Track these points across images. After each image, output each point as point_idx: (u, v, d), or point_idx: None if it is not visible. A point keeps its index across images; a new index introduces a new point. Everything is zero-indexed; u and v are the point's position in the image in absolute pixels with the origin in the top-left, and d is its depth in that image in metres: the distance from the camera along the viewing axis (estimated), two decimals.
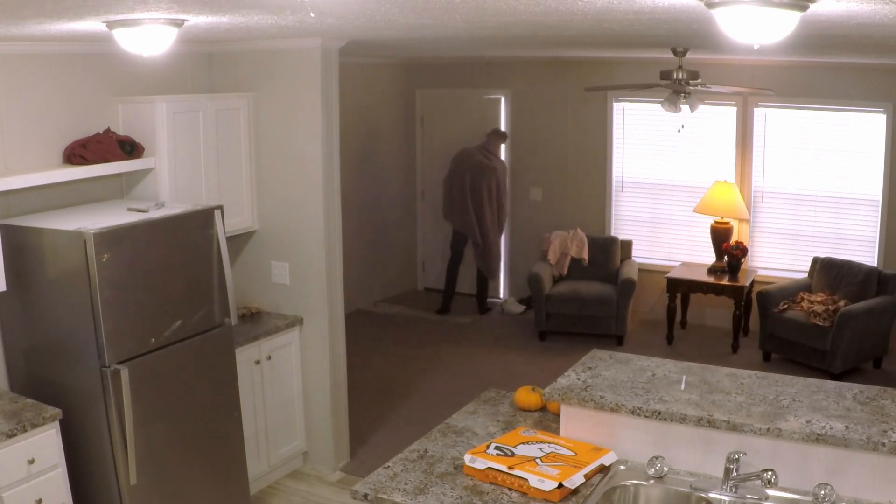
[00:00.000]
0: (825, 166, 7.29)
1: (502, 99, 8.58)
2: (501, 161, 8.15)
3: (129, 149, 4.16)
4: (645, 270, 7.92)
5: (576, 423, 2.90)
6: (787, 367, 6.56)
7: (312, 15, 3.16)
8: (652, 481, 2.70)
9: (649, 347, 7.19)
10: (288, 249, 4.86)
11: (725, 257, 7.36)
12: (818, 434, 2.51)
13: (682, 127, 7.00)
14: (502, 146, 8.30)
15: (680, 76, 5.80)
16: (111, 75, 4.25)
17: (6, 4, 2.48)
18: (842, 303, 6.54)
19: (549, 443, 2.83)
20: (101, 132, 4.15)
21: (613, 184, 8.18)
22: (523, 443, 2.83)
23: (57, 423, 3.39)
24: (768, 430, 2.57)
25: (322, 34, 4.29)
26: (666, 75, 5.87)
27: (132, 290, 3.58)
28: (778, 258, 7.65)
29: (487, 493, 2.61)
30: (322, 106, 4.62)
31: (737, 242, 7.35)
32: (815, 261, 7.10)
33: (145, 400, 3.65)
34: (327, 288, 4.81)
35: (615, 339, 7.40)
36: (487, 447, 2.79)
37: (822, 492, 2.46)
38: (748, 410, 2.69)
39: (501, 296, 8.91)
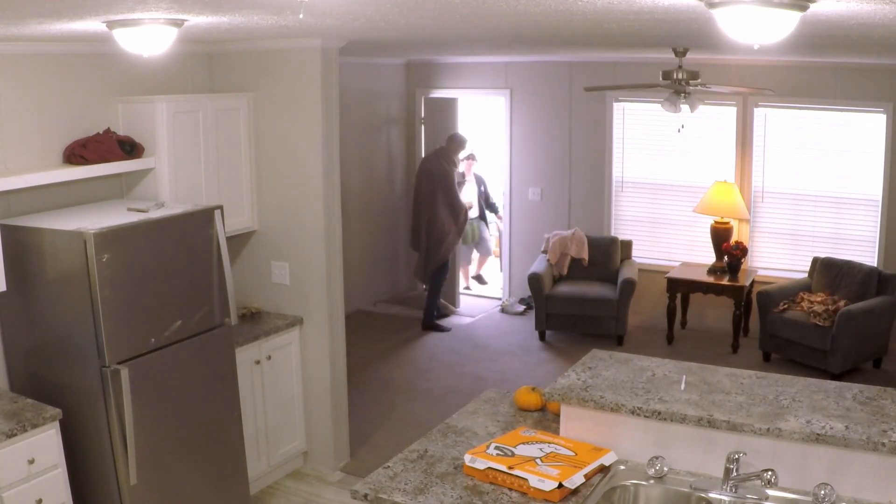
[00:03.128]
0: (825, 166, 7.29)
1: (502, 99, 8.58)
2: (444, 166, 7.84)
3: (129, 149, 4.16)
4: (645, 270, 7.92)
5: (576, 423, 2.90)
6: (787, 367, 6.56)
7: (301, 16, 3.16)
8: (652, 481, 2.70)
9: (649, 347, 7.19)
10: (288, 249, 4.86)
11: (725, 257, 7.36)
12: (818, 434, 2.51)
13: (682, 127, 7.00)
14: (461, 151, 8.13)
15: (680, 76, 5.80)
16: (111, 75, 4.25)
17: (6, 4, 2.48)
18: (842, 303, 6.54)
19: (549, 443, 2.83)
20: (101, 132, 4.15)
21: (613, 184, 8.18)
22: (523, 443, 2.83)
23: (57, 423, 3.39)
24: (768, 430, 2.57)
25: (322, 34, 4.29)
26: (666, 75, 5.87)
27: (132, 290, 3.58)
28: (778, 258, 7.65)
29: (487, 493, 2.61)
30: (322, 106, 4.62)
31: (737, 242, 7.35)
32: (815, 261, 7.10)
33: (145, 400, 3.65)
34: (327, 288, 4.81)
35: (615, 339, 7.40)
36: (487, 447, 2.79)
37: (822, 492, 2.46)
38: (748, 410, 2.69)
39: (502, 296, 8.91)
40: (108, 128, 4.21)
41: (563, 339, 7.63)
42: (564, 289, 7.52)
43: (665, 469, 2.71)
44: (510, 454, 2.73)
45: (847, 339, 6.26)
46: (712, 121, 7.62)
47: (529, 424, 3.14)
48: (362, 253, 8.32)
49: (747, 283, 7.23)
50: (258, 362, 4.60)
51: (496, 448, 2.77)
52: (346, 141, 5.37)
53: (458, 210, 7.90)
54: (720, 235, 7.44)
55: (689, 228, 7.89)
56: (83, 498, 3.62)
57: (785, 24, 2.31)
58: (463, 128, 8.90)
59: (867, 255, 7.19)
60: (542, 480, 2.56)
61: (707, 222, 7.57)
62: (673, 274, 7.54)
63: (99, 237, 3.41)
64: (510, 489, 2.62)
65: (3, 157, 3.78)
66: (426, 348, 7.45)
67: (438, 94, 8.90)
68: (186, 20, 3.11)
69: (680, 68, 5.78)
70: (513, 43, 5.51)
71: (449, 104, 8.90)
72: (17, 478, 3.21)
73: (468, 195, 8.77)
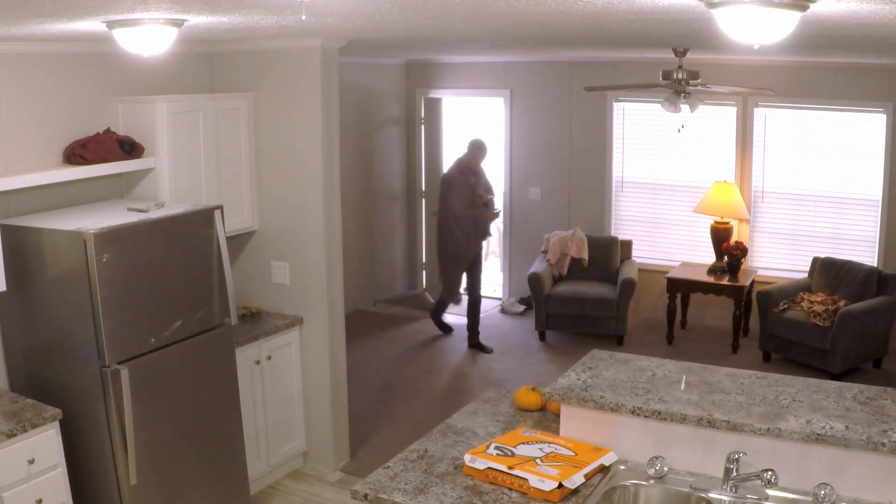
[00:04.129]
0: (825, 166, 7.29)
1: (502, 99, 8.58)
2: (449, 175, 7.37)
3: (129, 149, 4.16)
4: (645, 270, 7.92)
5: (576, 423, 2.90)
6: (787, 367, 6.56)
7: (304, 17, 3.16)
8: (652, 481, 2.70)
9: (649, 347, 7.19)
10: (288, 249, 4.86)
11: (725, 257, 7.36)
12: (818, 434, 2.51)
13: (682, 127, 7.00)
14: (480, 157, 7.37)
15: (680, 76, 5.80)
16: (111, 75, 4.25)
17: (6, 4, 2.48)
18: (842, 303, 6.54)
19: (549, 443, 2.83)
20: (101, 132, 4.15)
21: (613, 184, 8.18)
22: (523, 443, 2.83)
23: (57, 423, 3.39)
24: (768, 430, 2.57)
25: (322, 34, 4.29)
26: (666, 75, 5.87)
27: (132, 290, 3.58)
28: (778, 258, 7.65)
29: (487, 493, 2.61)
30: (322, 106, 4.62)
31: (737, 242, 7.35)
32: (815, 261, 7.10)
33: (145, 400, 3.65)
34: (327, 288, 4.81)
35: (615, 339, 7.40)
36: (487, 447, 2.79)
37: (822, 492, 2.46)
38: (748, 410, 2.69)
39: (502, 296, 8.91)
40: (108, 128, 4.21)
41: (563, 339, 7.63)
42: (564, 289, 7.51)
43: (665, 469, 2.71)
44: (510, 454, 2.73)
45: (847, 339, 6.26)
46: (712, 121, 7.63)
47: (529, 424, 3.14)
48: (362, 253, 8.33)
49: (747, 283, 7.23)
50: (258, 362, 4.60)
51: (496, 448, 2.77)
52: (346, 141, 5.37)
53: (442, 227, 7.31)
54: (720, 235, 7.45)
55: (689, 228, 7.89)
56: (83, 498, 3.62)
57: (785, 24, 2.31)
58: (457, 128, 8.87)
59: (867, 255, 7.19)
60: (542, 480, 2.56)
61: (707, 222, 7.57)
62: (673, 274, 7.53)
63: (99, 237, 3.41)
64: (510, 489, 2.62)
65: (3, 157, 3.78)
66: (426, 348, 7.45)
67: (438, 94, 8.90)
68: (186, 20, 3.11)
69: (680, 68, 5.79)
70: (513, 43, 5.51)
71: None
72: (17, 478, 3.21)
73: None
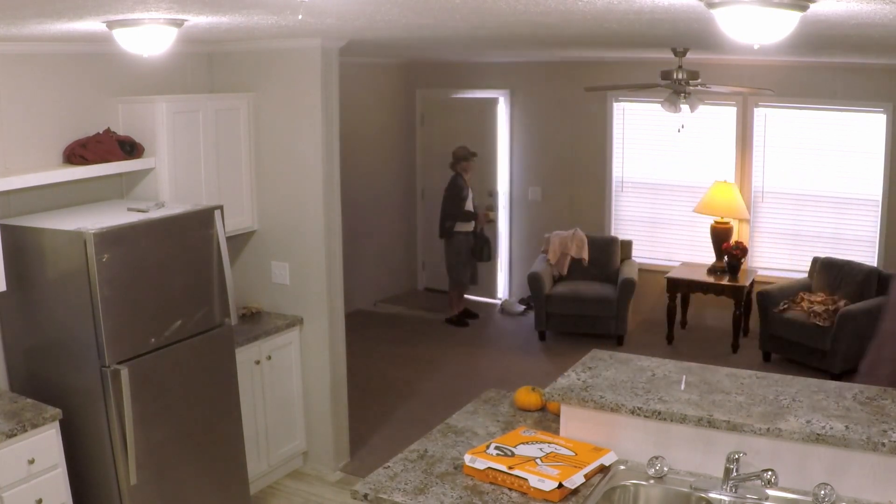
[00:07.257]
0: (825, 166, 7.29)
1: (502, 99, 8.58)
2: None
3: (129, 149, 4.16)
4: (645, 270, 7.92)
5: (576, 423, 2.90)
6: (787, 367, 6.56)
7: (300, 17, 3.17)
8: (652, 481, 2.70)
9: (649, 347, 7.18)
10: (288, 249, 4.86)
11: (725, 257, 7.36)
12: (818, 434, 2.51)
13: (682, 127, 6.99)
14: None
15: (680, 76, 5.80)
16: (111, 75, 4.25)
17: (6, 4, 2.48)
18: (842, 303, 6.54)
19: (549, 443, 2.83)
20: (101, 132, 4.15)
21: (613, 184, 8.18)
22: (523, 443, 2.83)
23: (57, 423, 3.39)
24: (768, 430, 2.57)
25: (322, 34, 4.30)
26: (666, 75, 5.87)
27: (132, 290, 3.58)
28: (778, 258, 7.65)
29: (487, 493, 2.61)
30: (322, 106, 4.62)
31: (737, 242, 7.35)
32: (815, 261, 7.10)
33: (145, 400, 3.65)
34: (327, 288, 4.81)
35: (615, 339, 7.40)
36: (487, 447, 2.79)
37: (822, 492, 2.46)
38: (748, 410, 2.69)
39: (501, 296, 8.91)
40: (108, 128, 4.21)
41: (563, 339, 7.62)
42: (564, 289, 7.52)
43: (665, 469, 2.71)
44: (510, 454, 2.73)
45: (847, 339, 6.26)
46: (712, 121, 7.62)
47: (529, 424, 3.14)
48: (362, 253, 8.32)
49: (747, 283, 7.23)
50: (258, 362, 4.60)
51: (496, 448, 2.77)
52: (346, 141, 5.35)
53: None
54: (720, 235, 7.45)
55: (689, 228, 7.89)
56: (83, 498, 3.62)
57: (785, 24, 2.31)
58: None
59: (867, 255, 7.18)
60: (542, 480, 2.56)
61: (707, 222, 7.57)
62: (673, 274, 7.53)
63: (99, 237, 3.41)
64: (510, 489, 2.62)
65: (3, 157, 3.78)
66: (426, 348, 7.45)
67: (438, 94, 8.90)
68: (186, 20, 3.11)
69: (680, 68, 5.79)
70: (513, 43, 5.51)
71: (492, 104, 8.66)
72: (17, 478, 3.21)
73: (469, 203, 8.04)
